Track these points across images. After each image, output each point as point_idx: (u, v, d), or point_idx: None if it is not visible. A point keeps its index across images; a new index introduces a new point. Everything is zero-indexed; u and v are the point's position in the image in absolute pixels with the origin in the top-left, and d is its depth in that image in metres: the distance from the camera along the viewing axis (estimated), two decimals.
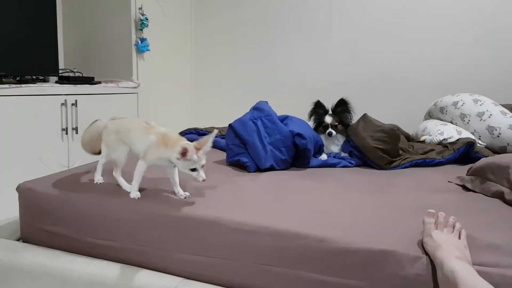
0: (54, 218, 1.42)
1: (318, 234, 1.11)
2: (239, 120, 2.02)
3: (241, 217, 1.21)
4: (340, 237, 1.10)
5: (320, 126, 2.19)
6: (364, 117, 2.13)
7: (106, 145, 1.45)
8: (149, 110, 3.20)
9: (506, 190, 1.40)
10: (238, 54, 3.64)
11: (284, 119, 2.09)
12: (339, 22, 3.20)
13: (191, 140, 1.29)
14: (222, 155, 2.08)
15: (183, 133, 2.57)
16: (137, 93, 3.06)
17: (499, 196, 1.42)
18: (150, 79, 3.25)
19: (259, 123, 1.97)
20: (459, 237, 1.05)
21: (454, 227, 1.07)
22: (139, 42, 3.10)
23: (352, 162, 2.02)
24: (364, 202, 1.40)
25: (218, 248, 1.19)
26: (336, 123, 2.16)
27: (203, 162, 1.29)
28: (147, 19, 3.09)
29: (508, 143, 2.17)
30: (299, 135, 1.92)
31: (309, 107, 2.21)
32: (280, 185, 1.61)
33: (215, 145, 2.41)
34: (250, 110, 2.10)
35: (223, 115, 2.65)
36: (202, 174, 1.28)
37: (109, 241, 1.33)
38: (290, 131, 1.94)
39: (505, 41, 2.72)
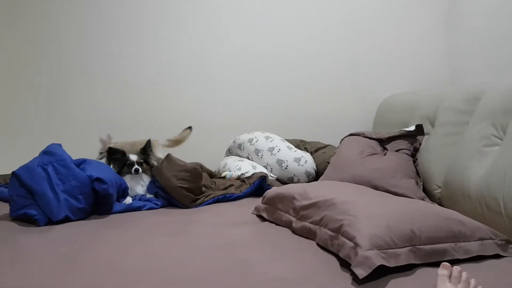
0: None
1: None
2: (25, 167, 1.76)
3: (19, 286, 1.02)
4: None
5: (125, 167, 2.11)
6: (168, 157, 2.15)
7: None
8: None
9: (293, 219, 1.54)
10: (19, 86, 3.06)
11: (81, 163, 1.92)
12: (140, 61, 3.16)
13: None
14: (5, 209, 1.77)
15: None
16: None
17: (288, 225, 1.56)
18: None
19: (50, 169, 1.76)
20: None
21: (469, 283, 1.02)
22: None
23: (158, 203, 1.99)
24: (167, 246, 1.37)
25: None
26: (142, 161, 2.13)
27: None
28: None
29: (294, 174, 2.49)
30: (98, 179, 1.80)
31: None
32: (76, 240, 1.46)
33: None
34: (40, 154, 1.87)
35: (4, 160, 2.27)
36: None
37: None
38: (88, 176, 1.80)
39: (287, 84, 3.17)
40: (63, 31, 3.02)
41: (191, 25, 3.14)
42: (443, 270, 1.04)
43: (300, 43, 3.13)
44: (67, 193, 1.72)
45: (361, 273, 1.05)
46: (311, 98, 3.14)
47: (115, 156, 2.13)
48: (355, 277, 1.08)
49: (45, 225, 1.62)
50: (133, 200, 2.03)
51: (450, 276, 1.03)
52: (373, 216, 1.24)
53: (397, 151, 2.04)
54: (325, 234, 1.31)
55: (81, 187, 1.76)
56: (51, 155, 1.82)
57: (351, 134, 2.32)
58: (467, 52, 2.87)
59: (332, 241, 1.25)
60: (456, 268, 1.04)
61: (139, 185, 2.14)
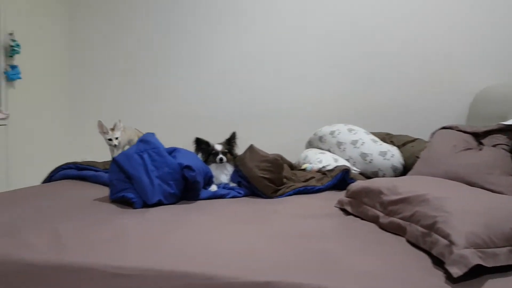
0: None
1: (206, 272, 1.08)
2: (124, 154, 1.92)
3: (119, 261, 1.12)
4: (227, 272, 1.09)
5: (210, 156, 2.19)
6: (251, 148, 2.19)
7: None
8: (21, 142, 2.89)
9: (380, 214, 1.49)
10: (117, 83, 3.46)
11: (172, 151, 2.04)
12: (222, 53, 3.28)
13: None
14: (105, 191, 1.94)
15: (61, 168, 2.36)
16: (5, 125, 2.74)
17: (375, 220, 1.51)
18: (22, 109, 2.94)
19: (145, 156, 1.90)
20: None
21: None
22: (9, 69, 2.81)
23: (241, 192, 2.05)
24: (250, 233, 1.41)
25: None
26: (226, 151, 2.20)
27: (116, 135, 2.42)
28: (18, 45, 2.83)
29: (379, 168, 2.41)
30: (188, 167, 1.89)
31: (193, 135, 2.23)
32: (168, 221, 1.55)
33: (97, 180, 2.24)
34: (136, 142, 2.02)
35: (106, 148, 2.49)
36: (114, 142, 2.41)
37: None
38: (178, 163, 1.90)
39: (371, 76, 3.06)
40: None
41: (276, 17, 3.17)
42: None
43: (386, 29, 3.00)
44: (160, 179, 1.84)
45: (456, 272, 0.99)
46: (398, 89, 3.00)
47: (201, 146, 2.23)
48: (448, 276, 1.02)
49: (141, 207, 1.75)
50: (217, 188, 2.11)
51: None
52: (470, 213, 1.16)
53: (494, 146, 1.88)
54: (416, 231, 1.25)
55: (173, 174, 1.86)
56: (147, 143, 1.96)
57: (443, 128, 2.17)
58: None
59: (424, 238, 1.19)
60: None
61: (223, 174, 2.21)
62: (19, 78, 2.87)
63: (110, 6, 3.46)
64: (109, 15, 3.46)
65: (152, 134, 2.08)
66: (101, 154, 2.69)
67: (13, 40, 2.81)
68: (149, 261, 1.13)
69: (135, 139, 2.53)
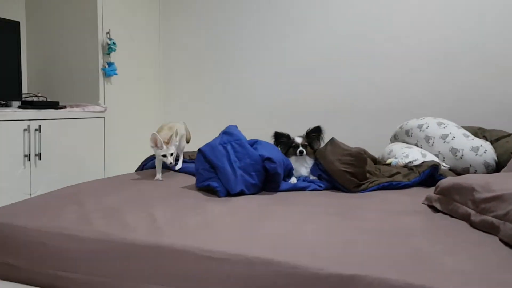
0: (14, 249, 1.35)
1: (290, 261, 1.10)
2: (209, 145, 2.00)
3: (210, 245, 1.18)
4: (312, 263, 1.09)
5: (290, 149, 2.21)
6: (332, 141, 2.16)
7: None
8: (116, 134, 3.14)
9: (472, 212, 1.41)
10: (206, 79, 3.65)
11: (253, 143, 2.09)
12: (306, 48, 3.28)
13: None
14: (192, 180, 2.05)
15: (150, 158, 2.53)
16: (104, 117, 3.00)
17: (466, 218, 1.43)
18: (117, 103, 3.20)
19: (229, 147, 1.96)
20: None
21: None
22: (107, 66, 3.07)
23: (321, 185, 2.04)
24: (334, 226, 1.40)
25: (188, 277, 1.16)
26: (306, 144, 2.20)
27: (171, 151, 2.10)
28: (114, 44, 3.07)
29: (470, 165, 2.25)
30: (268, 159, 1.92)
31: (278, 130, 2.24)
32: (251, 210, 1.60)
33: (185, 170, 2.37)
34: (220, 134, 2.10)
35: (192, 139, 2.62)
36: (169, 159, 2.09)
37: (72, 273, 1.27)
38: (259, 155, 1.94)
39: (463, 67, 2.86)
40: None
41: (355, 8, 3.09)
42: None
43: (475, 19, 2.78)
44: (243, 169, 1.89)
45: None
46: (491, 80, 2.77)
47: (281, 139, 2.25)
48: None
49: (224, 196, 1.82)
50: (297, 180, 2.12)
51: None
52: None
53: None
54: (510, 230, 1.17)
55: (254, 165, 1.91)
56: (230, 135, 2.03)
57: None
58: None
59: None
60: None
61: (303, 166, 2.21)
62: (116, 74, 3.11)
63: (201, 3, 3.62)
64: (199, 11, 3.62)
65: (235, 127, 2.15)
66: (188, 145, 2.85)
67: (110, 39, 3.06)
68: (237, 246, 1.18)
69: (184, 133, 2.50)
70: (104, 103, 3.06)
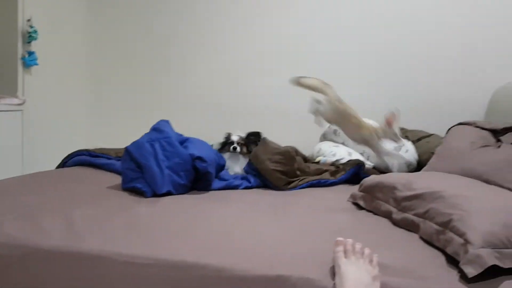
0: None
1: (216, 263, 1.08)
2: (136, 143, 1.92)
3: (131, 249, 1.13)
4: (237, 264, 1.08)
5: (226, 145, 2.25)
6: (263, 140, 2.19)
7: None
8: (37, 128, 2.92)
9: (394, 210, 1.47)
10: (138, 70, 3.45)
11: (184, 141, 2.04)
12: (243, 44, 3.25)
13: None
14: (117, 180, 1.95)
15: (75, 154, 2.37)
16: (22, 110, 2.77)
17: (388, 215, 1.49)
18: (38, 95, 2.97)
19: (156, 145, 1.89)
20: (371, 264, 1.02)
21: (363, 253, 1.04)
22: (26, 55, 2.84)
23: (251, 181, 2.04)
24: (262, 226, 1.40)
25: (106, 285, 1.09)
26: (242, 142, 2.25)
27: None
28: (36, 32, 2.84)
29: (393, 163, 2.37)
30: (199, 158, 1.89)
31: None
32: (179, 211, 1.55)
33: (109, 168, 2.25)
34: (150, 130, 2.02)
35: (124, 134, 2.46)
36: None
37: None
38: (190, 154, 1.90)
39: (388, 66, 3.01)
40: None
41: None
42: (337, 247, 1.06)
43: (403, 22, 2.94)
44: (171, 169, 1.83)
45: (471, 271, 0.98)
46: (413, 83, 2.94)
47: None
48: (462, 275, 1.00)
49: (151, 196, 1.74)
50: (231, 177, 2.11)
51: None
52: (487, 212, 1.13)
53: None
54: (430, 228, 1.23)
55: (183, 165, 1.86)
56: (159, 132, 1.96)
57: (460, 123, 2.12)
58: None
59: (438, 235, 1.17)
60: (348, 241, 1.07)
61: (236, 164, 2.23)
62: (36, 64, 2.88)
63: None
64: None
65: (166, 122, 2.08)
66: (116, 142, 2.70)
67: (31, 26, 2.83)
68: (161, 250, 1.14)
69: None
70: (23, 95, 2.82)
